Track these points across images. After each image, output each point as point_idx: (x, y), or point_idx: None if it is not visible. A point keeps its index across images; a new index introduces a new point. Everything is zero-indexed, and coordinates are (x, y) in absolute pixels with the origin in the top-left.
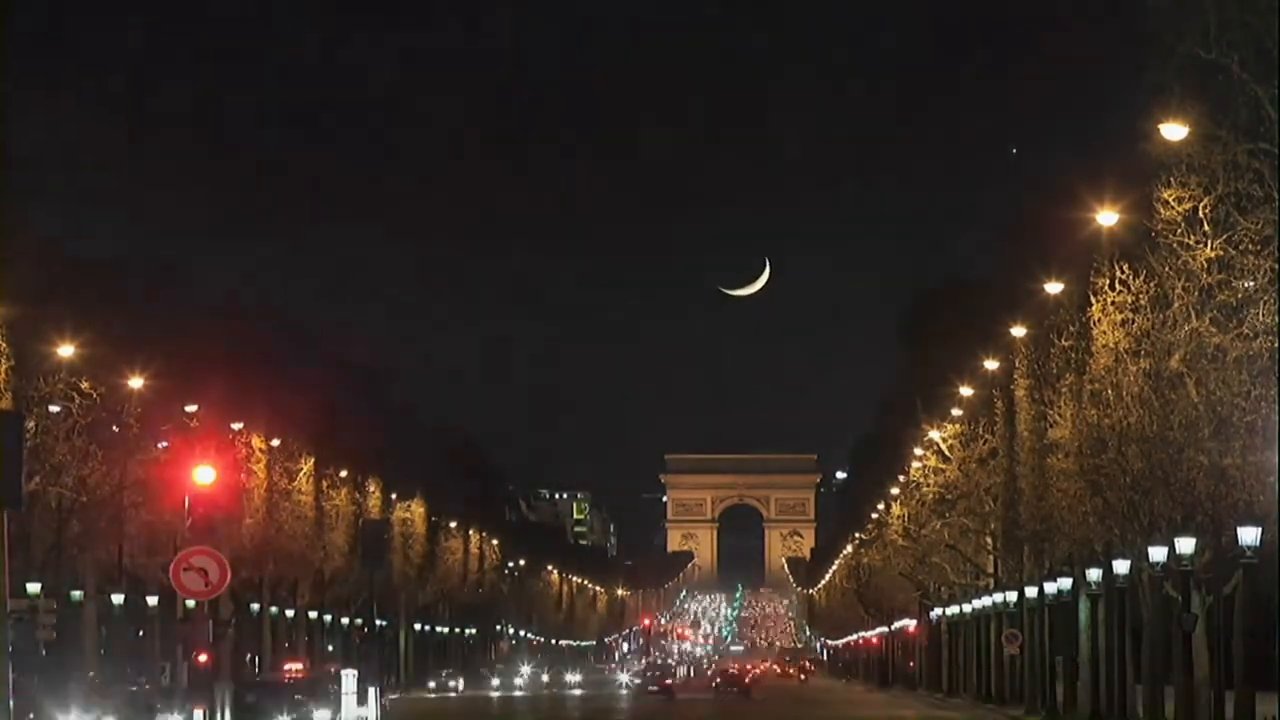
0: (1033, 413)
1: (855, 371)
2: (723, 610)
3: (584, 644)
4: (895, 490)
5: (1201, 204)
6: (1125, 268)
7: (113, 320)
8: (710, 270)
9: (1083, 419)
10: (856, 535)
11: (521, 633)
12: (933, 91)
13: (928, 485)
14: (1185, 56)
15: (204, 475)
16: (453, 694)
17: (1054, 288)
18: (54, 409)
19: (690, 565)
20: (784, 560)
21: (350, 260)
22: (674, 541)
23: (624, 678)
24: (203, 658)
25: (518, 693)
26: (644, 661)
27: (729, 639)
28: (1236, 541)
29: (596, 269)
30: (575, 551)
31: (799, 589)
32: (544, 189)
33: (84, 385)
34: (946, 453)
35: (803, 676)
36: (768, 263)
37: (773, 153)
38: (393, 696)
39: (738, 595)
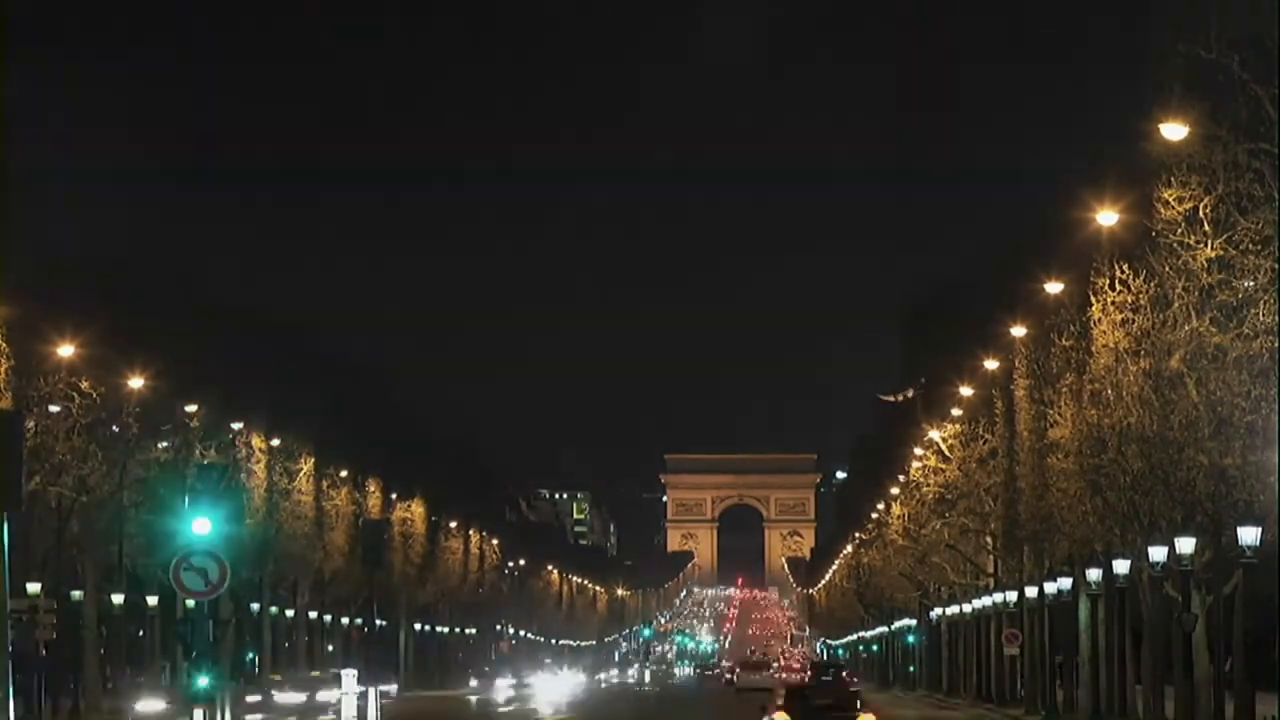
0: (1033, 413)
1: (855, 371)
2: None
3: (584, 643)
4: (895, 490)
5: (1202, 204)
6: (1125, 268)
7: (113, 320)
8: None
9: (1083, 419)
10: (856, 535)
11: (522, 632)
12: (932, 90)
13: (928, 485)
14: (1185, 56)
15: (204, 475)
16: None
17: (1054, 288)
18: (54, 409)
19: (690, 565)
20: (784, 560)
21: (351, 259)
22: (674, 541)
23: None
24: None
25: None
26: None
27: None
28: (1236, 541)
29: (595, 267)
30: (575, 551)
31: (799, 589)
32: (542, 190)
33: (84, 385)
34: (946, 453)
35: None
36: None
37: (773, 151)
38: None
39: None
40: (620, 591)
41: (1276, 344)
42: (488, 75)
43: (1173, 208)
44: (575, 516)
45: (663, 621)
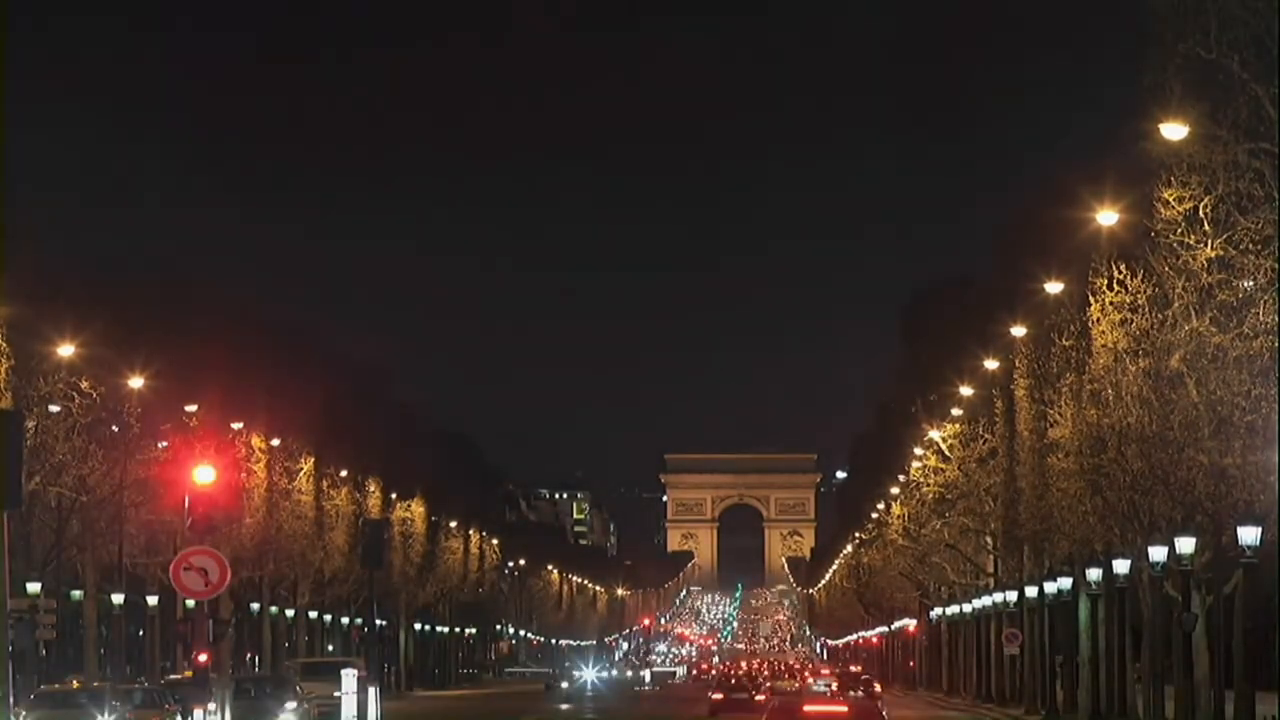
0: (1033, 412)
1: (855, 371)
2: (723, 608)
3: (584, 643)
4: (895, 490)
5: (1202, 204)
6: (1125, 267)
7: (113, 320)
8: None
9: (1083, 419)
10: (856, 535)
11: (522, 632)
12: (932, 90)
13: (928, 485)
14: (1185, 56)
15: (204, 475)
16: None
17: (1054, 288)
18: (54, 409)
19: (690, 565)
20: (784, 560)
21: (351, 259)
22: (674, 541)
23: None
24: (203, 658)
25: None
26: None
27: (729, 638)
28: (1236, 541)
29: (595, 268)
30: (575, 551)
31: (799, 589)
32: (539, 194)
33: (84, 385)
34: (946, 452)
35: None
36: None
37: (772, 152)
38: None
39: (737, 594)
40: (620, 591)
41: (1276, 344)
42: (486, 76)
43: (1172, 207)
44: (575, 516)
45: (663, 621)
